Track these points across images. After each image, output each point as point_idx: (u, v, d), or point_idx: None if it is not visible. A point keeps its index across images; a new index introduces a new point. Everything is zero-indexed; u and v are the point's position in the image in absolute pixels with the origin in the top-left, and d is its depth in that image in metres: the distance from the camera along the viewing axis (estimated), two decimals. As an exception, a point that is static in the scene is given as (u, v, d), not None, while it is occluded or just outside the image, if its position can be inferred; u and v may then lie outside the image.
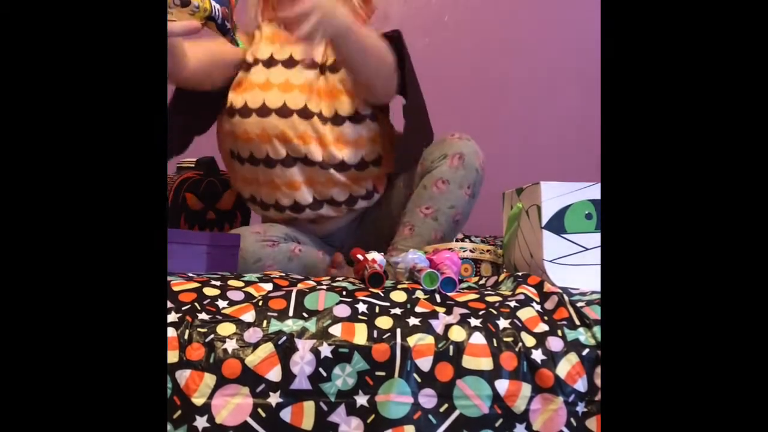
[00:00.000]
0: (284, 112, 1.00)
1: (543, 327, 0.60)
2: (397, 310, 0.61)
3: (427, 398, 0.55)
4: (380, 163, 1.06)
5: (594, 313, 0.62)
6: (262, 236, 0.99)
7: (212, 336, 0.56)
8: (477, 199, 1.04)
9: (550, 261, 0.76)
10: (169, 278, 0.64)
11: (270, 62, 1.03)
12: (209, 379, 0.54)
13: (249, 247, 0.97)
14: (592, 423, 0.56)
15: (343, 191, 1.05)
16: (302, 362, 0.55)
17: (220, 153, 1.11)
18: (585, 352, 0.58)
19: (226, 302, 0.61)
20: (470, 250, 0.91)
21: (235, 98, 1.02)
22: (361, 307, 0.61)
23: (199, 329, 0.57)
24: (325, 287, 0.66)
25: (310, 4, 0.78)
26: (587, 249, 0.76)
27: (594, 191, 0.77)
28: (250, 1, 1.07)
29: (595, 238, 0.76)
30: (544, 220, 0.76)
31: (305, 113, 1.00)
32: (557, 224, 0.76)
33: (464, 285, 0.78)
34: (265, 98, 1.00)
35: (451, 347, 0.57)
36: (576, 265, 0.76)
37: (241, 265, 0.95)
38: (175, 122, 0.96)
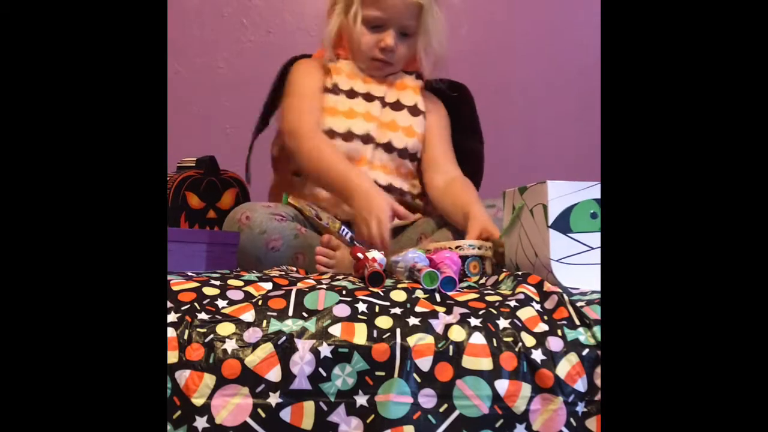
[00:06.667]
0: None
1: (543, 327, 0.60)
2: (397, 310, 0.61)
3: (427, 398, 0.55)
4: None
5: (594, 312, 0.62)
6: (272, 210, 1.01)
7: (212, 336, 0.56)
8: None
9: (557, 260, 0.76)
10: (168, 277, 0.64)
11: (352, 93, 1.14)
12: (209, 380, 0.54)
13: (257, 218, 0.98)
14: (592, 423, 0.56)
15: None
16: (302, 362, 0.55)
17: (284, 174, 1.19)
18: (585, 352, 0.58)
19: (226, 302, 0.61)
20: (478, 248, 0.91)
21: (333, 122, 1.12)
22: (361, 307, 0.61)
23: (198, 329, 0.57)
24: (324, 286, 0.65)
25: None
26: (592, 248, 0.76)
27: (599, 191, 0.77)
28: (324, 41, 1.16)
29: (599, 238, 0.76)
30: (551, 219, 0.76)
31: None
32: (563, 223, 0.76)
33: (464, 284, 0.78)
34: (350, 125, 1.11)
35: (451, 347, 0.57)
36: (581, 265, 0.76)
37: (246, 234, 0.97)
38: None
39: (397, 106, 1.15)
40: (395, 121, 1.14)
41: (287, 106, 1.13)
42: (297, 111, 1.11)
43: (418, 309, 0.61)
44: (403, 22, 1.11)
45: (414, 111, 1.16)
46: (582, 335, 0.59)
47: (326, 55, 1.16)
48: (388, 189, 1.11)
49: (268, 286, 0.66)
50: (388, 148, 1.13)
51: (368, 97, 1.14)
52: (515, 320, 0.61)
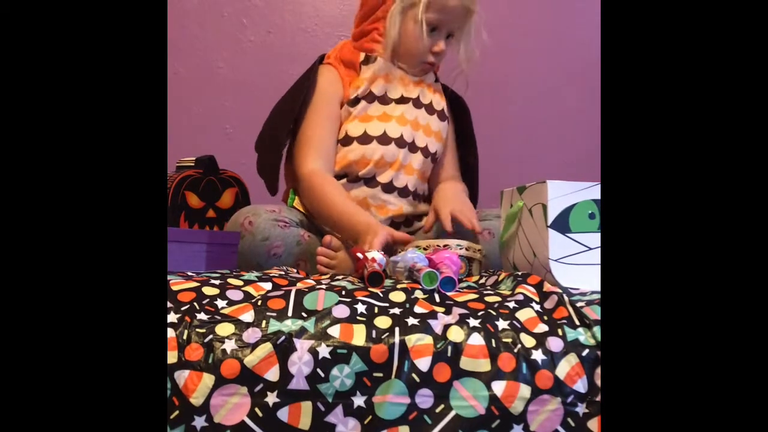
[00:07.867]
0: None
1: (542, 327, 0.60)
2: (396, 311, 0.61)
3: (424, 399, 0.55)
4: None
5: (594, 313, 0.61)
6: (276, 215, 1.00)
7: (211, 336, 0.56)
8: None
9: (556, 260, 0.76)
10: (168, 277, 0.64)
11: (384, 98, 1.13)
12: (208, 380, 0.54)
13: (260, 224, 0.98)
14: (593, 424, 0.56)
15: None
16: (300, 362, 0.55)
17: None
18: (585, 352, 0.58)
19: (225, 302, 0.61)
20: (465, 248, 0.91)
21: (368, 127, 1.10)
22: (360, 308, 0.61)
23: (198, 329, 0.57)
24: (324, 287, 0.65)
25: None
26: (590, 249, 0.76)
27: (598, 191, 0.77)
28: (386, 43, 1.12)
29: (598, 238, 0.76)
30: (550, 219, 0.76)
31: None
32: (562, 223, 0.76)
33: (463, 284, 0.78)
34: (385, 128, 1.10)
35: (450, 348, 0.57)
36: (580, 265, 0.76)
37: (247, 240, 0.96)
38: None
39: (430, 109, 1.15)
40: (429, 125, 1.14)
41: (301, 131, 1.10)
42: (306, 144, 1.08)
43: (417, 309, 0.61)
44: (455, 26, 1.11)
45: (441, 116, 1.17)
46: (582, 335, 0.59)
47: (385, 55, 1.12)
48: (414, 194, 1.12)
49: (268, 286, 0.66)
50: (425, 152, 1.13)
51: (402, 100, 1.13)
52: (514, 321, 0.61)
